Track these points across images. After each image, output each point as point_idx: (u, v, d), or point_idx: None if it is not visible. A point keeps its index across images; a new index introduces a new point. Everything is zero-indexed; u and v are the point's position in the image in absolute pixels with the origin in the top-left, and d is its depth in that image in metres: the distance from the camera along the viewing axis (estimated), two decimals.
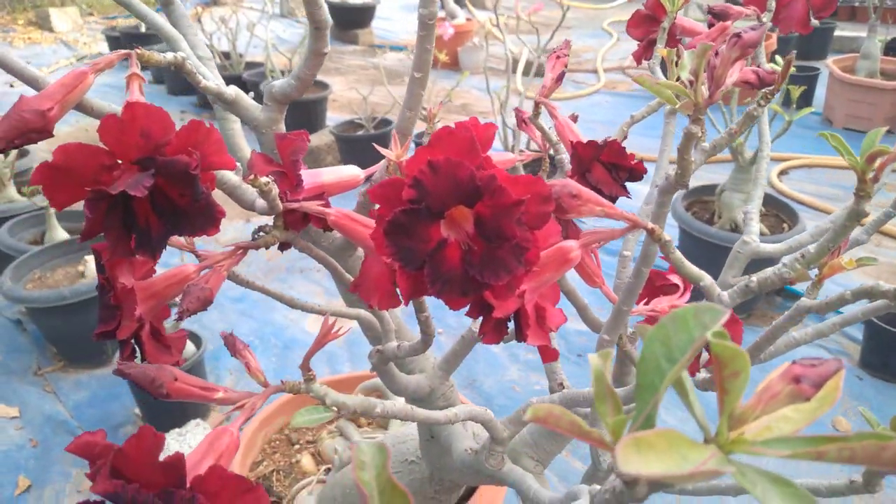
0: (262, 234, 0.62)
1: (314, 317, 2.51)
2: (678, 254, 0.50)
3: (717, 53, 0.48)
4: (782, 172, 3.31)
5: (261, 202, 0.61)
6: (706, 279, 0.51)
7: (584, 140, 0.66)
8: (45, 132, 0.48)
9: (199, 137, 0.48)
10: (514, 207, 0.43)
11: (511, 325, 0.54)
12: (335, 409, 0.51)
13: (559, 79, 0.72)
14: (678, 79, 0.52)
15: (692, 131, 0.49)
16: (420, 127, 3.60)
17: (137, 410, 1.99)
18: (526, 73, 4.20)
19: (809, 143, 3.54)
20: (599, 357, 0.33)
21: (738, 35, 0.47)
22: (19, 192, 2.71)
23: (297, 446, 1.40)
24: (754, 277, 0.49)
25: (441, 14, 5.27)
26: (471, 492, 1.20)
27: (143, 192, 0.44)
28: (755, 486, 0.28)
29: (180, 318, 0.53)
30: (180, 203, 0.49)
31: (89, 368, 2.21)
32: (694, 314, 0.31)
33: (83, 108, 0.52)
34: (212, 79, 0.65)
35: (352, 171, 0.68)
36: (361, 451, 0.28)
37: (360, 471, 0.27)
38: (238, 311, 2.52)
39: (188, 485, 0.40)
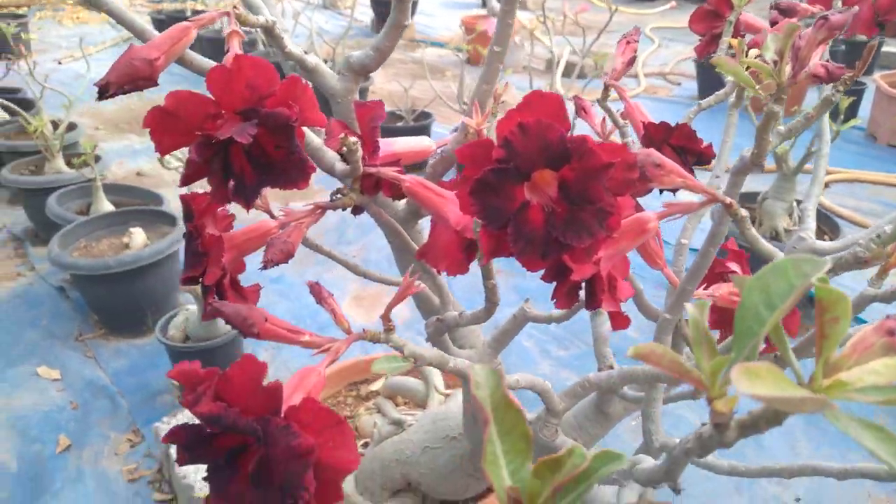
0: (339, 195, 0.64)
1: (350, 301, 2.54)
2: (753, 231, 0.52)
3: (799, 36, 0.49)
4: (823, 185, 3.27)
5: (341, 165, 0.64)
6: (778, 256, 0.52)
7: (655, 122, 0.67)
8: (151, 80, 0.51)
9: (297, 93, 0.50)
10: (603, 170, 0.45)
11: (581, 293, 0.56)
12: (412, 359, 0.53)
13: (630, 63, 0.73)
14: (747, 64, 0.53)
15: (774, 110, 0.50)
16: (451, 120, 3.63)
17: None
18: (567, 74, 4.19)
19: (851, 158, 3.50)
20: (696, 307, 0.35)
21: (825, 17, 0.48)
22: (67, 164, 2.78)
23: None
24: (829, 258, 0.50)
25: (483, 12, 5.28)
26: None
27: (247, 139, 0.47)
28: (848, 428, 0.29)
29: (265, 268, 0.56)
30: (275, 155, 0.52)
31: (129, 338, 2.27)
32: (794, 264, 0.32)
33: (183, 61, 0.55)
34: (294, 46, 0.68)
35: (424, 142, 0.71)
36: (476, 373, 0.30)
37: (476, 389, 0.29)
38: (276, 292, 2.56)
39: (283, 413, 0.42)
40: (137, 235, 2.25)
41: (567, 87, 3.59)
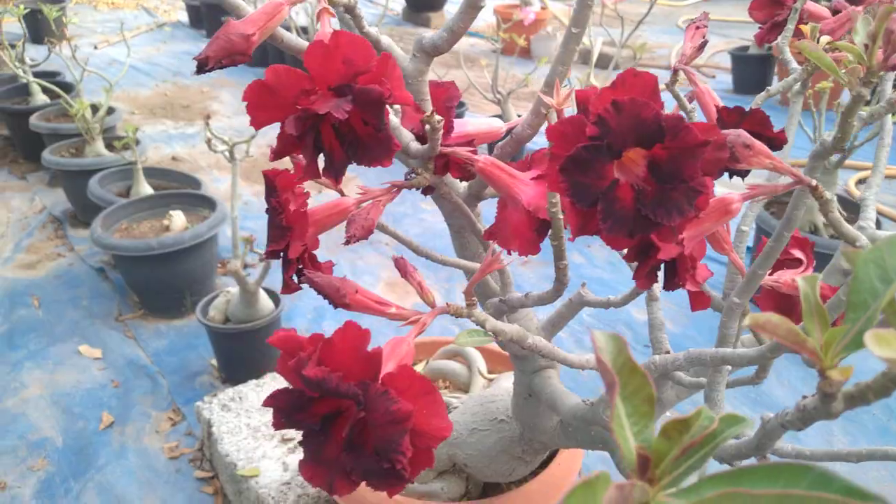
0: (414, 175, 0.65)
1: (383, 287, 2.56)
2: (837, 213, 0.52)
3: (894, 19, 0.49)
4: (860, 181, 3.22)
5: (416, 145, 0.64)
6: (862, 239, 0.52)
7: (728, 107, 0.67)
8: (246, 55, 0.52)
9: (388, 70, 0.51)
10: (699, 148, 0.45)
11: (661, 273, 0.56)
12: (493, 334, 0.54)
13: (700, 48, 0.73)
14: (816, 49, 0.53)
15: (862, 93, 0.50)
16: (484, 110, 3.63)
17: (214, 361, 2.07)
18: (602, 66, 4.17)
19: (893, 154, 3.45)
20: (807, 282, 0.35)
21: None
22: (107, 147, 2.82)
23: None
24: None
25: (517, 1, 5.27)
26: (550, 458, 1.23)
27: (343, 115, 0.48)
28: None
29: (347, 243, 0.57)
30: (362, 132, 0.53)
31: (168, 319, 2.31)
32: None
33: (275, 38, 0.56)
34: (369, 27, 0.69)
35: (495, 123, 0.71)
36: (599, 338, 0.31)
37: (601, 353, 0.30)
38: None
39: (380, 380, 0.43)
40: (177, 218, 2.29)
41: (603, 79, 3.57)
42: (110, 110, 3.05)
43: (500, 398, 1.10)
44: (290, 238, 0.58)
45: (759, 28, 0.98)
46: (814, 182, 0.50)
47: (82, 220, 2.84)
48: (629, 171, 0.49)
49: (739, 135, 0.48)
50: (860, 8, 0.90)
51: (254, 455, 1.57)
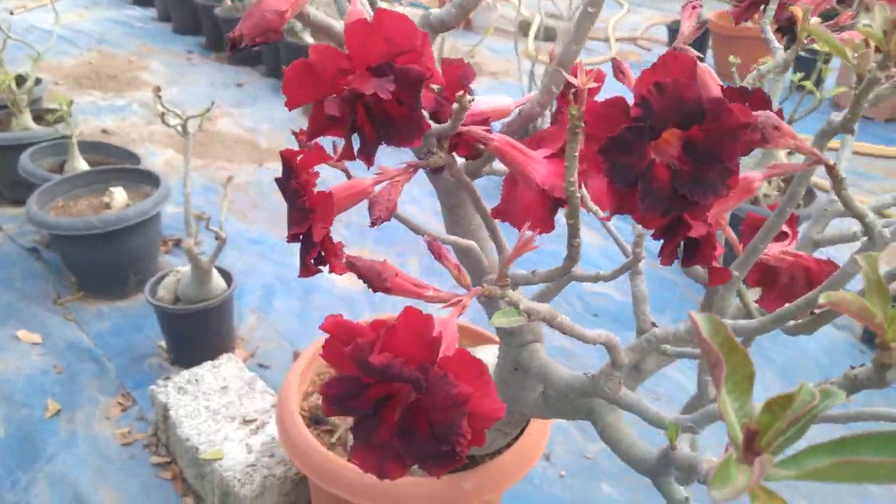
0: (429, 154, 0.64)
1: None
2: (848, 191, 0.54)
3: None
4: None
5: (434, 124, 0.64)
6: (869, 216, 0.55)
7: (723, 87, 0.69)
8: (278, 33, 0.50)
9: (426, 50, 0.50)
10: (738, 131, 0.46)
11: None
12: (527, 314, 0.54)
13: (699, 28, 0.75)
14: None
15: (877, 77, 0.52)
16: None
17: (163, 342, 2.01)
18: (549, 38, 4.20)
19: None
20: (866, 259, 0.37)
21: None
22: (35, 120, 2.66)
23: None
24: None
25: None
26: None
27: (387, 95, 0.47)
28: None
29: (374, 225, 0.56)
30: (395, 112, 0.52)
31: (110, 300, 2.22)
32: None
33: (302, 16, 0.54)
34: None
35: (504, 101, 0.71)
36: (699, 319, 0.32)
37: (703, 332, 0.31)
38: (257, 253, 2.53)
39: (438, 364, 0.43)
40: (118, 195, 2.19)
41: (538, 48, 3.60)
42: (37, 81, 2.88)
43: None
44: (313, 220, 0.57)
45: (735, 6, 1.01)
46: (831, 161, 0.52)
47: (9, 198, 2.69)
48: (664, 151, 0.50)
49: (769, 116, 0.50)
50: None
51: (215, 438, 1.54)
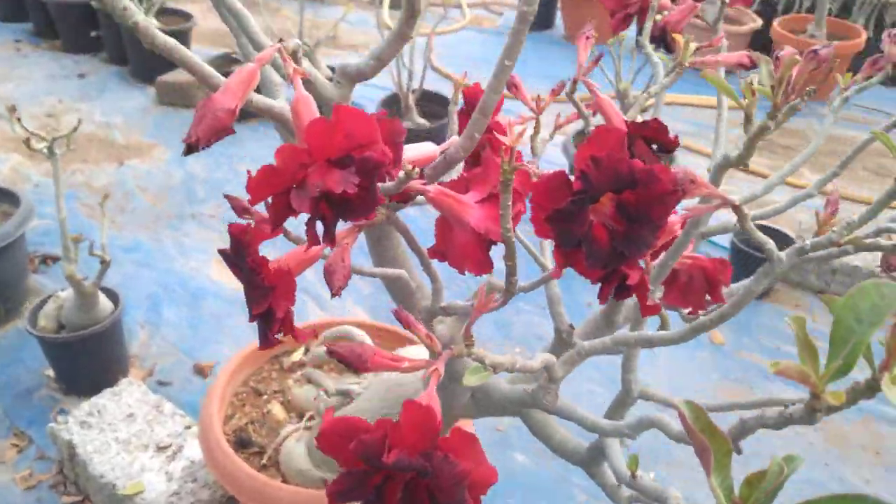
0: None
1: (217, 264, 2.46)
2: (751, 224, 0.63)
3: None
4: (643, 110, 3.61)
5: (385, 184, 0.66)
6: (769, 244, 0.64)
7: (627, 119, 0.76)
8: (230, 130, 0.50)
9: (388, 135, 0.52)
10: (669, 196, 0.53)
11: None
12: (493, 367, 0.59)
13: (596, 60, 0.81)
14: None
15: (768, 125, 0.60)
16: None
17: (49, 372, 1.90)
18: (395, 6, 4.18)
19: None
20: (794, 321, 0.45)
21: (814, 51, 0.59)
22: None
23: (265, 397, 1.43)
24: (808, 241, 0.63)
25: None
26: None
27: (353, 189, 0.49)
28: None
29: (335, 296, 0.58)
30: (352, 194, 0.54)
31: None
32: (875, 288, 0.43)
33: (247, 104, 0.55)
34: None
35: (430, 148, 0.74)
36: (684, 407, 0.37)
37: (691, 421, 0.37)
38: (134, 262, 2.41)
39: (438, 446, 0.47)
40: None
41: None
42: None
43: (408, 381, 1.16)
44: (273, 298, 0.58)
45: (612, 17, 1.08)
46: (736, 202, 0.60)
47: None
48: (600, 212, 0.56)
49: (686, 172, 0.57)
50: (792, 51, 1.02)
51: (131, 470, 1.50)
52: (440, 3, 4.08)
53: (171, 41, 0.57)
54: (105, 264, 1.65)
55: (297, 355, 1.54)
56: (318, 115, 0.54)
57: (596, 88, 0.80)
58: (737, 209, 0.61)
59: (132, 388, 1.71)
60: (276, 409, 1.40)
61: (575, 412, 0.79)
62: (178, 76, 3.35)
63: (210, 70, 0.58)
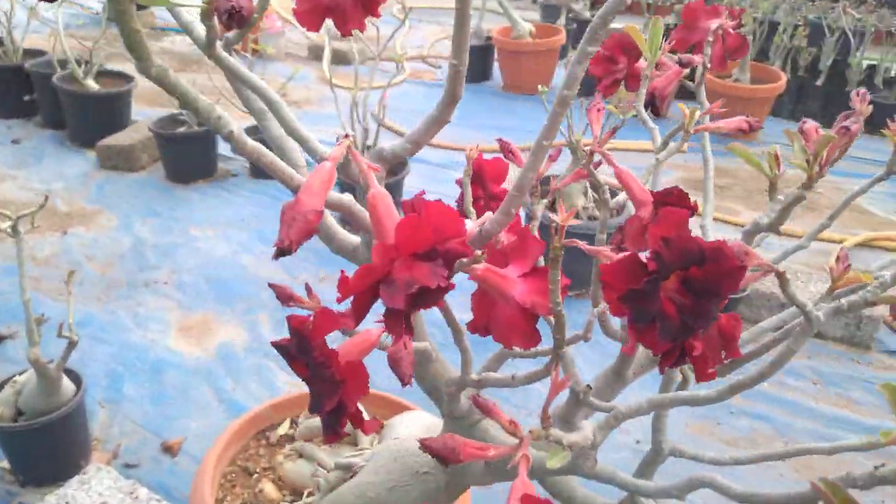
0: None
1: (176, 333, 2.37)
2: (792, 289, 0.65)
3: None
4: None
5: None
6: (808, 305, 0.66)
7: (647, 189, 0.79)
8: (316, 231, 0.50)
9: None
10: (737, 271, 0.55)
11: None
12: (569, 447, 0.59)
13: (612, 132, 0.84)
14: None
15: (803, 195, 0.64)
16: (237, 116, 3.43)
17: (5, 463, 1.77)
18: (338, 61, 4.22)
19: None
20: (887, 389, 0.47)
21: (846, 128, 0.63)
22: None
23: (255, 475, 1.38)
24: (844, 301, 0.66)
25: None
26: None
27: (444, 282, 0.49)
28: None
29: (406, 384, 0.57)
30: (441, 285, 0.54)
31: None
32: None
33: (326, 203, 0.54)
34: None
35: (466, 225, 0.75)
36: (824, 489, 0.39)
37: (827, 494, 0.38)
38: (88, 337, 2.29)
39: None
40: None
41: (336, 74, 3.62)
42: None
43: (420, 452, 1.14)
44: (344, 393, 0.57)
45: (598, 82, 1.13)
46: (782, 271, 0.63)
47: None
48: (667, 289, 0.58)
49: (741, 246, 0.59)
50: (680, 69, 1.08)
51: None
52: (383, 58, 4.16)
53: (259, 146, 0.56)
54: (72, 345, 1.57)
55: (284, 429, 1.49)
56: (394, 210, 0.54)
57: (615, 161, 0.83)
58: (781, 276, 0.64)
59: (101, 473, 1.61)
60: (269, 488, 1.34)
61: (616, 476, 0.80)
62: (119, 139, 3.27)
63: (292, 171, 0.57)
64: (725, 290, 0.56)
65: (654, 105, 1.09)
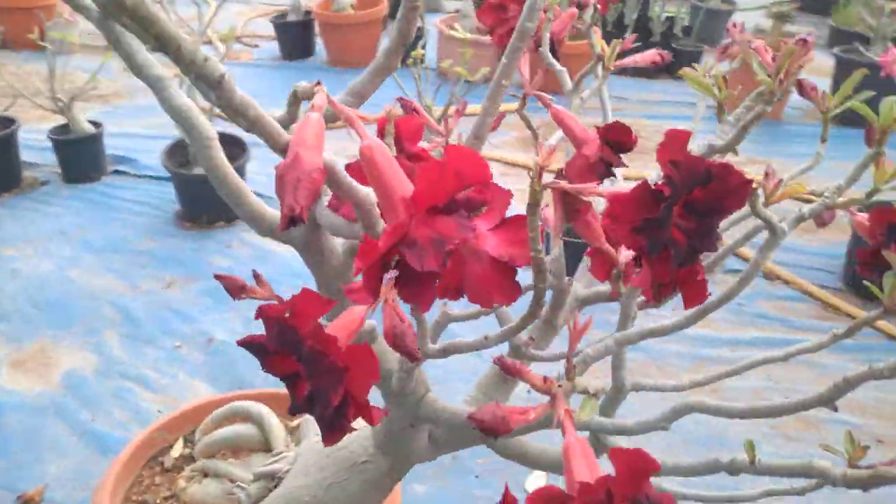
0: None
1: (9, 370, 2.06)
2: (760, 203, 0.66)
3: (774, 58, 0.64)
4: None
5: None
6: (773, 218, 0.67)
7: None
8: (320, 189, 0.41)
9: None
10: (743, 186, 0.53)
11: None
12: (594, 395, 0.55)
13: (544, 72, 0.80)
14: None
15: (766, 109, 0.64)
16: (46, 120, 2.96)
17: None
18: None
19: None
20: None
21: (804, 40, 0.63)
22: None
23: None
24: (806, 209, 0.68)
25: None
26: None
27: (475, 234, 0.43)
28: None
29: (417, 361, 0.50)
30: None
31: None
32: None
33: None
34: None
35: None
36: None
37: None
38: None
39: None
40: None
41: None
42: None
43: (351, 442, 1.06)
44: (351, 380, 0.48)
45: (490, 32, 1.09)
46: (754, 184, 0.63)
47: None
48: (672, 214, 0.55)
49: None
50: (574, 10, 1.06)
51: None
52: (204, 41, 3.86)
53: (247, 97, 0.46)
54: None
55: (178, 450, 1.34)
56: (395, 161, 0.46)
57: (550, 101, 0.79)
58: (753, 192, 0.64)
59: None
60: None
61: (592, 421, 0.77)
62: None
63: (279, 127, 0.47)
64: (730, 208, 0.54)
65: (553, 49, 1.07)
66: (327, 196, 0.69)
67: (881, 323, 2.42)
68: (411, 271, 0.47)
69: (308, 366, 0.49)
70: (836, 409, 0.60)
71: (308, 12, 4.40)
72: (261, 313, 0.50)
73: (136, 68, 0.67)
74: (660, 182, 0.52)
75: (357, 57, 4.23)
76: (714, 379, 0.85)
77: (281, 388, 1.40)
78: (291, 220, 0.40)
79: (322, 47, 4.48)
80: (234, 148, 2.83)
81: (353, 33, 4.28)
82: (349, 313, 0.55)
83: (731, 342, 2.34)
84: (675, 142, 0.53)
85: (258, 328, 0.54)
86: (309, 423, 1.24)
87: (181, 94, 0.69)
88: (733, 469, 0.62)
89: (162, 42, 0.39)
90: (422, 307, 0.46)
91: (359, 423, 1.20)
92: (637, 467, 0.40)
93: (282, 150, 0.48)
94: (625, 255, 0.79)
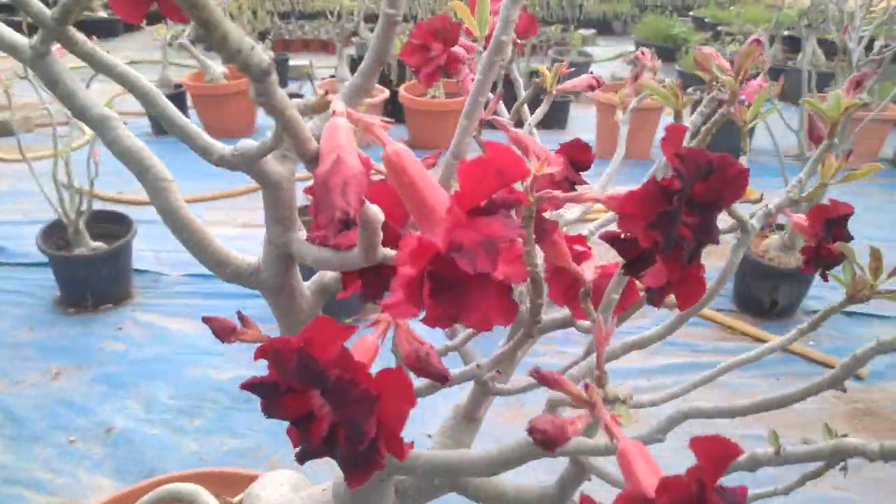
0: None
1: None
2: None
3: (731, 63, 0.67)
4: None
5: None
6: (745, 216, 0.69)
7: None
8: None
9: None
10: (741, 176, 0.54)
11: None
12: (623, 402, 0.52)
13: (498, 97, 0.80)
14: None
15: (730, 111, 0.66)
16: None
17: None
18: None
19: None
20: None
21: (758, 40, 0.66)
22: None
23: None
24: (771, 204, 0.70)
25: None
26: None
27: (521, 233, 0.40)
28: None
29: (447, 382, 0.46)
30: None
31: None
32: None
33: None
34: None
35: None
36: None
37: None
38: None
39: None
40: None
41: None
42: None
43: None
44: (383, 409, 0.44)
45: (416, 72, 1.08)
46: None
47: None
48: None
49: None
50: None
51: None
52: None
53: (287, 98, 0.41)
54: None
55: None
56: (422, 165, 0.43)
57: (507, 124, 0.79)
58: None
59: None
60: None
61: (583, 444, 0.75)
62: None
63: (310, 135, 0.43)
64: (729, 199, 0.55)
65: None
66: (302, 232, 0.65)
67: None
68: (447, 281, 0.43)
69: (335, 397, 0.44)
70: (845, 391, 0.61)
71: (179, 85, 4.29)
72: (267, 350, 0.45)
73: (78, 110, 0.61)
74: (667, 177, 0.52)
75: (235, 125, 4.16)
76: (688, 389, 0.85)
77: (208, 467, 1.29)
78: (345, 224, 0.36)
79: (196, 118, 4.36)
80: (120, 226, 2.66)
81: (227, 102, 4.21)
82: (363, 340, 0.51)
83: (644, 372, 2.40)
84: (675, 135, 0.54)
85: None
86: (254, 497, 1.13)
87: (130, 135, 0.63)
88: (754, 464, 0.62)
89: (208, 29, 0.34)
90: (474, 319, 0.42)
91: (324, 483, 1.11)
92: (718, 454, 0.38)
93: (311, 157, 0.44)
94: (590, 273, 0.79)
